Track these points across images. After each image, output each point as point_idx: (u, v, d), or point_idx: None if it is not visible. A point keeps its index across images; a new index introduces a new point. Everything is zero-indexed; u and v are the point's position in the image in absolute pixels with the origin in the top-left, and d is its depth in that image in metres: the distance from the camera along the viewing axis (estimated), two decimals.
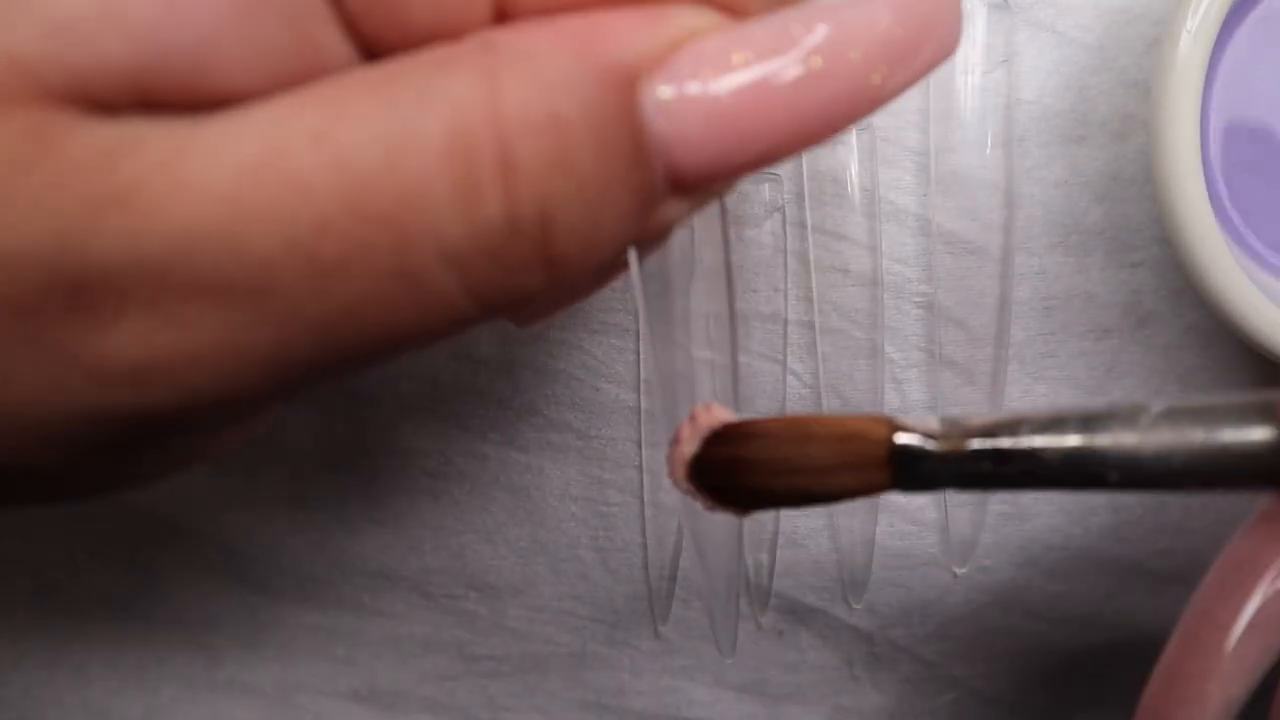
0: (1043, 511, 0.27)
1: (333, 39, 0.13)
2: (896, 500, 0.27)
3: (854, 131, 0.25)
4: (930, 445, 0.15)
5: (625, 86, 0.12)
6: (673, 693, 0.28)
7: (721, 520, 0.19)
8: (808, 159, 0.26)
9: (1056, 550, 0.28)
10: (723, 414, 0.16)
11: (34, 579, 0.28)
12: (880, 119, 0.26)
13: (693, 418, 0.16)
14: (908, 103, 0.26)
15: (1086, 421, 0.15)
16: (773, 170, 0.26)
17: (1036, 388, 0.27)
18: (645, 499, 0.27)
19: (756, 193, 0.26)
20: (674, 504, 0.27)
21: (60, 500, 0.15)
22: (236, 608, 0.28)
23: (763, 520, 0.27)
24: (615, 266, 0.16)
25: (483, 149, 0.12)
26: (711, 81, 0.12)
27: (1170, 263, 0.26)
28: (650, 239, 0.14)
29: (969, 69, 0.25)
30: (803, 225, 0.26)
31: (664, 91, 0.12)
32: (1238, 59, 0.24)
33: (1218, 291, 0.22)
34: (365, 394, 0.27)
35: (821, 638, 0.28)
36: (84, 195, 0.11)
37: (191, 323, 0.12)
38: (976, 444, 0.15)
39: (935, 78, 0.25)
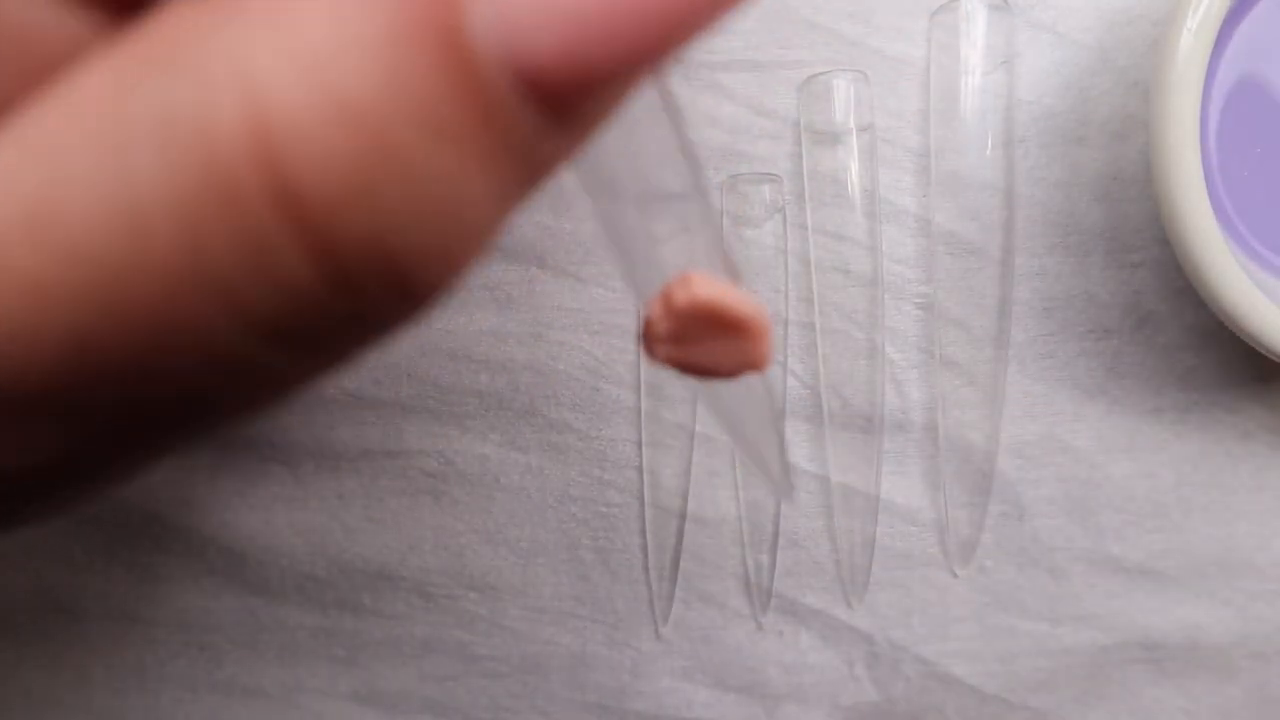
0: (1042, 512, 0.27)
1: (41, 11, 0.09)
2: (897, 501, 0.27)
3: (854, 132, 0.25)
4: None
5: (440, 12, 0.08)
6: (673, 693, 0.28)
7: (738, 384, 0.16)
8: (808, 160, 0.26)
9: (1057, 550, 0.28)
10: (705, 284, 0.14)
11: (34, 580, 0.28)
12: (881, 119, 0.26)
13: (666, 295, 0.14)
14: (908, 103, 0.26)
15: None
16: (773, 172, 0.26)
17: (1037, 388, 0.27)
18: (645, 500, 0.27)
19: (757, 194, 0.26)
20: (674, 505, 0.27)
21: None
22: (237, 609, 0.28)
23: (763, 521, 0.27)
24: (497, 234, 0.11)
25: (247, 185, 0.08)
26: None
27: (1170, 263, 0.26)
28: (544, 177, 0.10)
29: (969, 70, 0.25)
30: (803, 226, 0.26)
31: (491, 5, 0.08)
32: (1237, 60, 0.24)
33: (1218, 291, 0.22)
34: (365, 394, 0.27)
35: (821, 638, 0.28)
36: None
37: None
38: None
39: (935, 79, 0.25)
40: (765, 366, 0.14)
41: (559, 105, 0.09)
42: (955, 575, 0.28)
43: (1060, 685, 0.28)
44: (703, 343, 0.14)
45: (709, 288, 0.14)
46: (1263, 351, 0.23)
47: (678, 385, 0.27)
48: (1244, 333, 0.23)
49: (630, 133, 0.12)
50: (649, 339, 0.14)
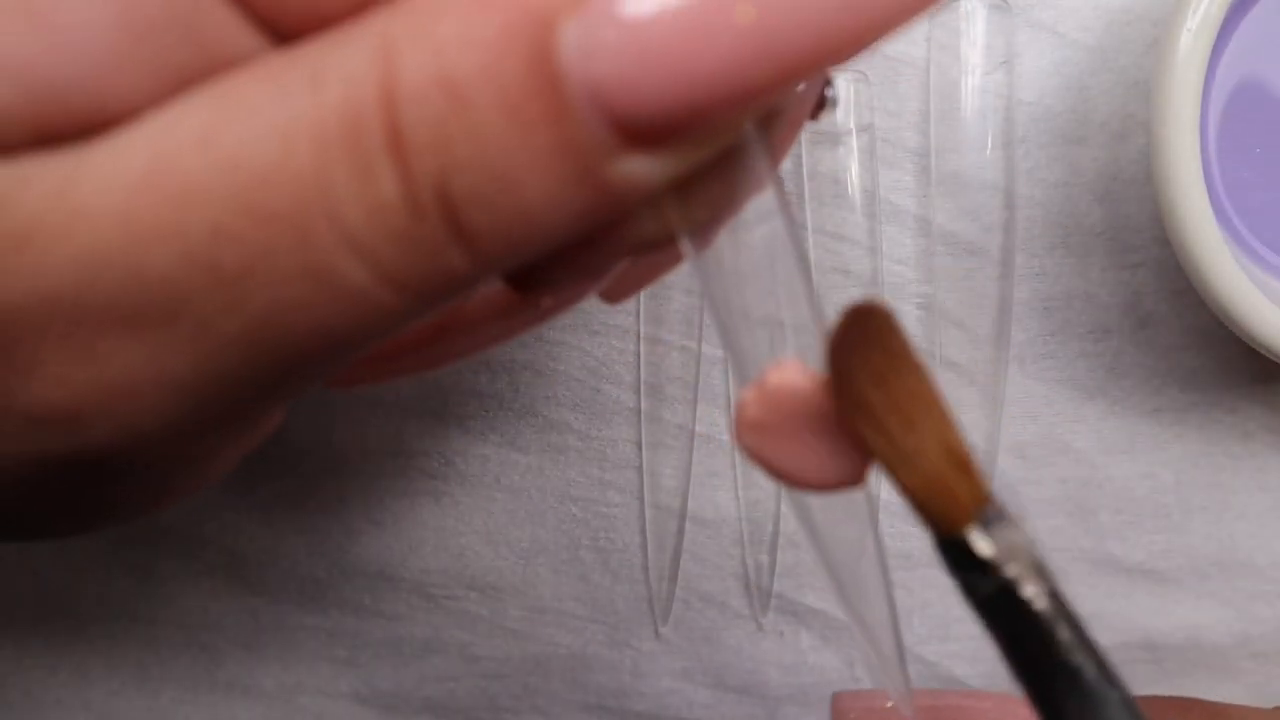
0: (1043, 512, 0.27)
1: (237, 35, 0.12)
2: (896, 501, 0.27)
3: (854, 132, 0.25)
4: (981, 553, 0.13)
5: (535, 32, 0.10)
6: (673, 694, 0.28)
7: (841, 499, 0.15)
8: (808, 160, 0.26)
9: (1057, 550, 0.28)
10: (798, 374, 0.13)
11: (34, 581, 0.28)
12: (880, 120, 0.26)
13: (762, 383, 0.13)
14: (908, 103, 0.26)
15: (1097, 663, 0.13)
16: None
17: (1037, 388, 0.27)
18: (645, 500, 0.27)
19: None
20: (674, 505, 0.27)
21: (41, 537, 0.15)
22: (237, 609, 0.28)
23: (763, 521, 0.27)
24: (578, 224, 0.13)
25: (371, 126, 0.11)
26: (636, 6, 0.10)
27: (1171, 263, 0.26)
28: (629, 201, 0.12)
29: (969, 70, 0.25)
30: (803, 227, 0.26)
31: (582, 30, 0.10)
32: (1237, 60, 0.24)
33: (1218, 292, 0.22)
34: (365, 394, 0.27)
35: (822, 638, 0.28)
36: None
37: (110, 356, 0.11)
38: (1019, 587, 0.13)
39: (935, 79, 0.25)
40: (857, 483, 0.14)
41: (629, 132, 0.11)
42: None
43: None
44: (792, 441, 0.13)
45: (804, 374, 0.13)
46: (1262, 352, 0.23)
47: (678, 386, 0.27)
48: (1244, 333, 0.23)
49: (753, 251, 0.14)
50: (737, 422, 0.14)
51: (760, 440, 0.13)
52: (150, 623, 0.28)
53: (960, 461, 0.13)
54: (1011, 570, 0.13)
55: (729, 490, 0.27)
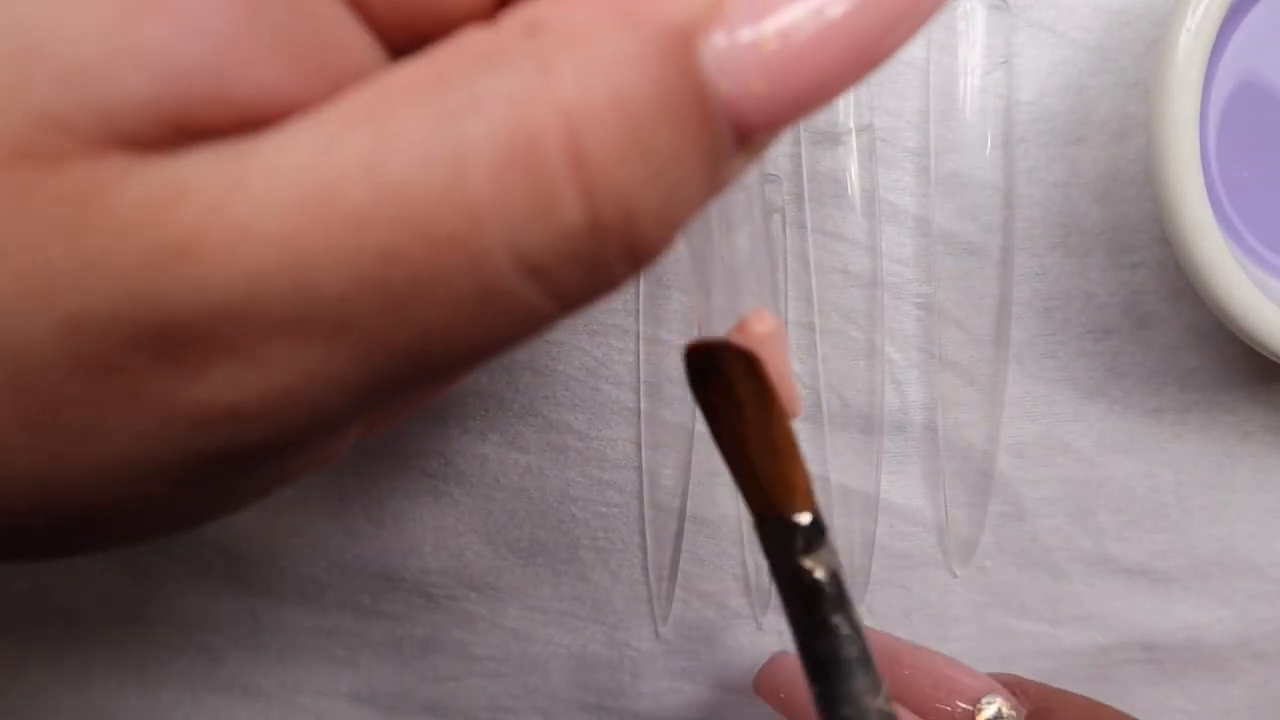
0: (1042, 512, 0.27)
1: (349, 29, 0.12)
2: (896, 502, 0.27)
3: (853, 132, 0.25)
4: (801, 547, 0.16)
5: (682, 50, 0.11)
6: (673, 694, 0.28)
7: None
8: (807, 160, 0.26)
9: (1056, 550, 0.28)
10: (767, 315, 0.16)
11: (33, 581, 0.28)
12: (880, 120, 0.26)
13: (743, 326, 0.16)
14: (907, 103, 0.26)
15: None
16: (772, 171, 0.26)
17: (1036, 388, 0.27)
18: (645, 500, 0.27)
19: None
20: (673, 505, 0.27)
21: (184, 529, 0.15)
22: (236, 609, 0.28)
23: None
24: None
25: (550, 149, 0.11)
26: (766, 26, 0.11)
27: (1170, 263, 0.26)
28: (717, 196, 0.13)
29: (969, 70, 0.25)
30: (802, 226, 0.26)
31: (720, 46, 0.11)
32: (1237, 60, 0.24)
33: (1217, 292, 0.22)
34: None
35: None
36: (144, 250, 0.11)
37: (277, 362, 0.12)
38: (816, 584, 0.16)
39: (935, 79, 0.25)
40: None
41: (746, 135, 0.12)
42: (955, 575, 0.28)
43: (1059, 685, 0.28)
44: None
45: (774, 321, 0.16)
46: (1262, 352, 0.23)
47: (677, 386, 0.27)
48: (1243, 333, 0.23)
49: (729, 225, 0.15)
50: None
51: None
52: (150, 623, 0.28)
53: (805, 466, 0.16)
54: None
55: (729, 490, 0.27)
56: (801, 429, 0.27)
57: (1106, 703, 0.28)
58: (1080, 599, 0.28)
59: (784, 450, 0.16)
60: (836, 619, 0.16)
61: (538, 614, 0.28)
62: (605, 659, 0.28)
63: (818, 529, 0.16)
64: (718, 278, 0.16)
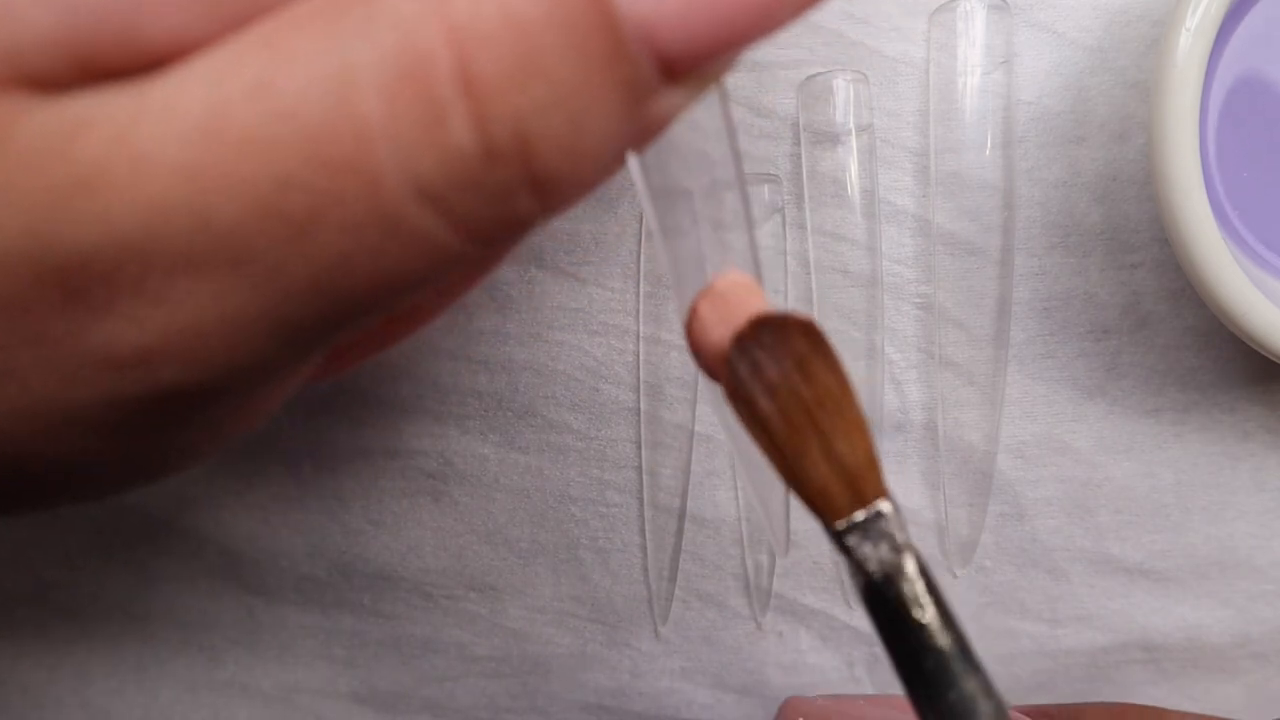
0: (1042, 512, 0.27)
1: None
2: (896, 501, 0.27)
3: (853, 132, 0.25)
4: (872, 545, 0.15)
5: None
6: (673, 694, 0.28)
7: None
8: (807, 160, 0.26)
9: (1056, 551, 0.28)
10: (743, 279, 0.15)
11: (34, 580, 0.28)
12: (880, 120, 0.26)
13: (711, 290, 0.14)
14: (907, 104, 0.26)
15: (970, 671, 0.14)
16: (772, 172, 0.26)
17: (1036, 388, 0.27)
18: (645, 500, 0.27)
19: (756, 194, 0.26)
20: (673, 505, 0.27)
21: (120, 487, 0.15)
22: (236, 609, 0.28)
23: (762, 522, 0.27)
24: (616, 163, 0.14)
25: (439, 70, 0.11)
26: None
27: (1170, 263, 0.26)
28: (651, 135, 0.12)
29: (969, 70, 0.25)
30: (802, 226, 0.26)
31: None
32: (1237, 59, 0.24)
33: (1217, 292, 0.22)
34: (365, 395, 0.27)
35: (821, 638, 0.28)
36: (46, 185, 0.11)
37: (181, 299, 0.12)
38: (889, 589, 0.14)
39: (935, 79, 0.25)
40: None
41: (670, 68, 0.11)
42: (955, 576, 0.28)
43: (1060, 686, 0.28)
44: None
45: (745, 278, 0.15)
46: (1262, 352, 0.23)
47: (677, 386, 0.27)
48: (1243, 333, 0.23)
49: (698, 128, 0.14)
50: (691, 324, 0.14)
51: (715, 337, 0.14)
52: (149, 622, 0.28)
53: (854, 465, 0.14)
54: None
55: (729, 490, 0.27)
56: None
57: (1108, 703, 0.28)
58: (1080, 599, 0.28)
59: (864, 428, 0.14)
60: (924, 619, 0.14)
61: (537, 614, 0.28)
62: (605, 659, 0.28)
63: (884, 519, 0.15)
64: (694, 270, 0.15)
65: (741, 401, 0.14)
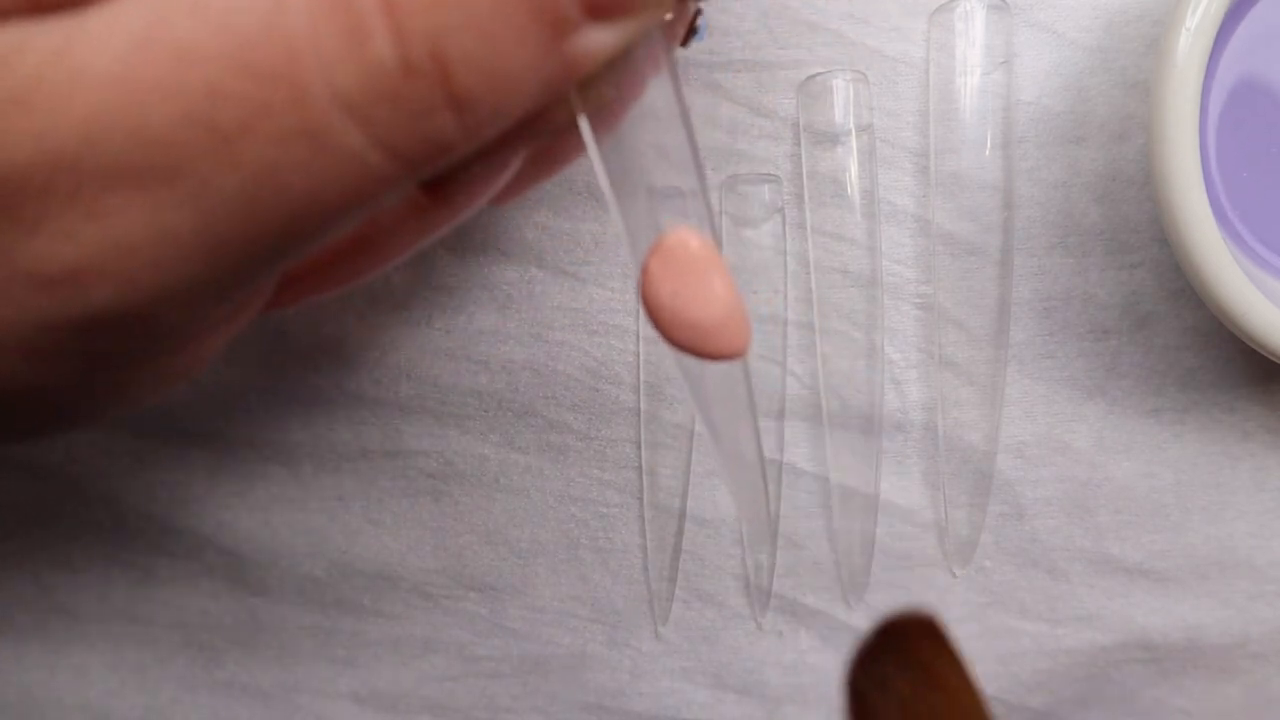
0: (1042, 512, 0.27)
1: None
2: (895, 501, 0.27)
3: (853, 132, 0.25)
4: None
5: None
6: (673, 694, 0.28)
7: (723, 370, 0.16)
8: (807, 160, 0.26)
9: (1056, 551, 0.28)
10: (691, 235, 0.14)
11: (33, 580, 0.28)
12: (880, 120, 0.26)
13: (660, 247, 0.14)
14: (907, 104, 0.26)
15: None
16: (772, 172, 0.26)
17: (1036, 388, 0.27)
18: (645, 500, 0.27)
19: (756, 195, 0.26)
20: (673, 505, 0.27)
21: (58, 423, 0.15)
22: (236, 609, 0.28)
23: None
24: (553, 116, 0.14)
25: None
26: None
27: (1169, 263, 0.26)
28: (583, 74, 0.13)
29: (968, 70, 0.25)
30: (802, 227, 0.26)
31: None
32: (1237, 59, 0.24)
33: (1217, 292, 0.22)
34: (365, 395, 0.27)
35: (821, 639, 0.28)
36: None
37: (113, 214, 0.12)
38: None
39: (934, 79, 0.25)
40: (737, 352, 0.15)
41: (591, 5, 0.12)
42: (954, 575, 0.28)
43: (1060, 686, 0.28)
44: (692, 292, 0.14)
45: (695, 235, 0.14)
46: (1262, 352, 0.23)
47: (677, 386, 0.27)
48: (1243, 333, 0.23)
49: (648, 127, 0.14)
50: (643, 283, 0.15)
51: (670, 294, 0.14)
52: (149, 622, 0.28)
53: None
54: None
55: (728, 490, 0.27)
56: (801, 429, 0.27)
57: (1107, 703, 0.28)
58: (1080, 599, 0.28)
59: None
60: None
61: (537, 614, 0.28)
62: (605, 659, 0.28)
63: None
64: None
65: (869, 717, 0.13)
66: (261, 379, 0.27)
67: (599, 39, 0.12)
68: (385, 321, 0.27)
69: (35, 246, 0.12)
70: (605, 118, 0.14)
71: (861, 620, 0.28)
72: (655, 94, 0.14)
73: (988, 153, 0.25)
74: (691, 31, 0.24)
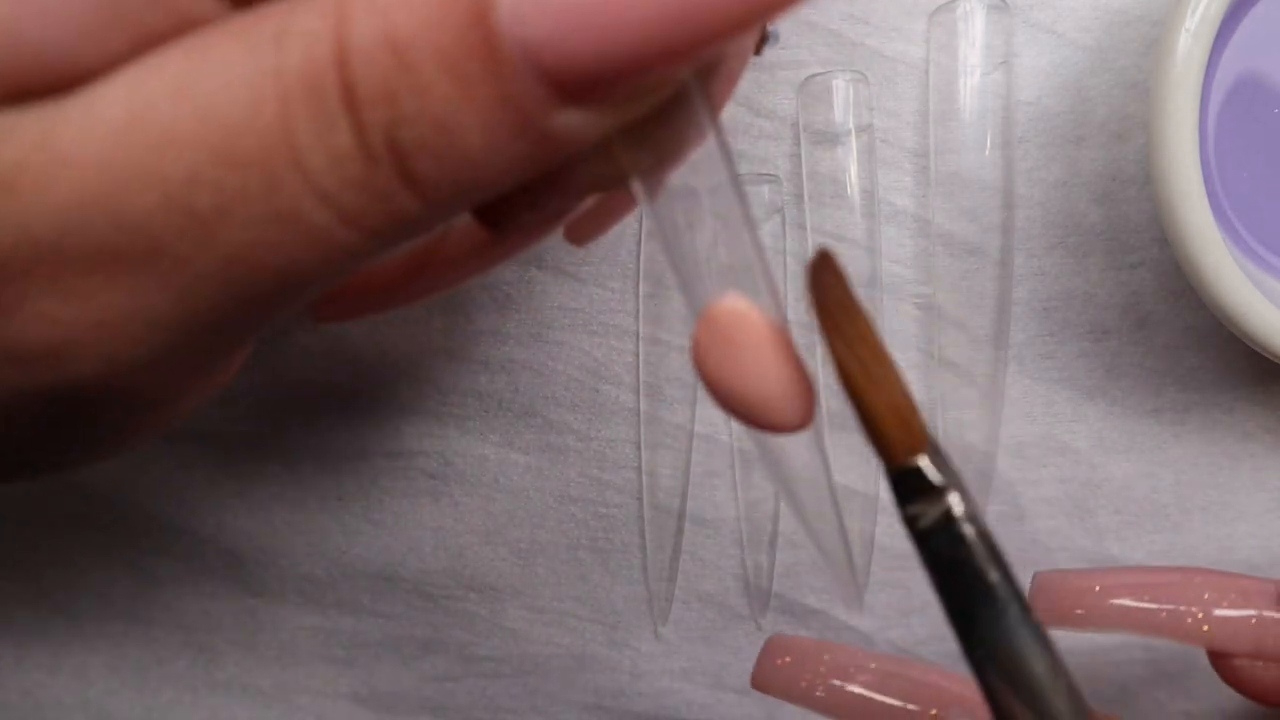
0: (1041, 513, 0.27)
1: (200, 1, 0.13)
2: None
3: (853, 133, 0.25)
4: (932, 479, 0.15)
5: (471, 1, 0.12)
6: (672, 694, 0.28)
7: (803, 444, 0.16)
8: (807, 161, 0.26)
9: (1056, 551, 0.28)
10: (741, 303, 0.14)
11: (34, 581, 0.28)
12: (879, 120, 0.26)
13: (705, 316, 0.14)
14: (907, 104, 0.26)
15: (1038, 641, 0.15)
16: (771, 172, 0.26)
17: (1036, 388, 0.27)
18: (645, 500, 0.27)
19: (756, 195, 0.26)
20: (673, 505, 0.27)
21: (18, 476, 0.16)
22: (236, 609, 0.28)
23: (762, 521, 0.27)
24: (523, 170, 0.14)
25: (328, 82, 0.12)
26: None
27: (1169, 263, 0.26)
28: (568, 148, 0.13)
29: (968, 70, 0.25)
30: (802, 227, 0.26)
31: None
32: (1237, 60, 0.24)
33: (1217, 292, 0.22)
34: (364, 396, 0.27)
35: (821, 638, 0.28)
36: None
37: (93, 294, 0.12)
38: (957, 518, 0.15)
39: (934, 79, 0.25)
40: (791, 428, 0.14)
41: (562, 88, 0.12)
42: None
43: None
44: (745, 366, 0.14)
45: (746, 303, 0.14)
46: (1261, 352, 0.23)
47: (677, 386, 0.27)
48: (1243, 333, 0.23)
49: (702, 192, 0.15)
50: (694, 351, 0.14)
51: (715, 365, 0.14)
52: (149, 623, 0.28)
53: (909, 400, 0.15)
54: (953, 499, 0.15)
55: (728, 490, 0.27)
56: None
57: (1107, 705, 0.28)
58: None
59: (877, 374, 0.15)
60: (976, 570, 0.15)
61: (537, 614, 0.28)
62: (605, 659, 0.28)
63: (922, 474, 0.15)
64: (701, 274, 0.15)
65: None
66: (261, 379, 0.27)
67: (578, 120, 0.12)
68: (385, 321, 0.27)
69: (14, 326, 0.12)
70: (654, 175, 0.14)
71: (861, 621, 0.28)
72: (704, 161, 0.14)
73: (987, 153, 0.25)
74: (763, 39, 0.24)
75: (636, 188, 0.14)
